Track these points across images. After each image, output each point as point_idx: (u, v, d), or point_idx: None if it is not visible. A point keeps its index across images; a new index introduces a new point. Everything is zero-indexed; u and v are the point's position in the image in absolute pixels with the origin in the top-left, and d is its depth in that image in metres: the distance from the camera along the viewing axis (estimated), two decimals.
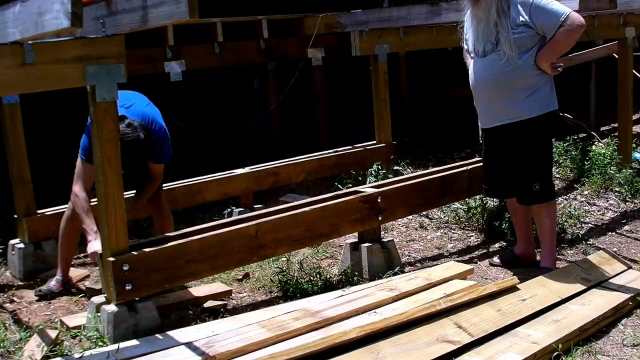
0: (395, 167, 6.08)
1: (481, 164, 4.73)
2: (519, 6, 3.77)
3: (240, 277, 4.25)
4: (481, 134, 4.29)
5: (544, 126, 3.91)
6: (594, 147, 6.69)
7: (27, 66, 2.99)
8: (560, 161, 6.48)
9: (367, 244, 4.14)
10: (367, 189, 4.24)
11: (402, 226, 5.18)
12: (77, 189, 3.85)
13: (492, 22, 3.81)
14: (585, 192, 5.77)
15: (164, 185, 5.15)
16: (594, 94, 8.68)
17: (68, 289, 4.19)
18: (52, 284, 4.15)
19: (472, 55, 4.03)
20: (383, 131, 6.00)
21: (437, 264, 4.23)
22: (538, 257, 4.25)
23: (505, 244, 4.67)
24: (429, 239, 4.92)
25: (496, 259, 4.36)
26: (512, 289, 3.58)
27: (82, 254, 4.93)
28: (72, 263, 4.75)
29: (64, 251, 4.17)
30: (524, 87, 3.85)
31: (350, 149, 6.14)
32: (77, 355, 3.04)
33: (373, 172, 5.75)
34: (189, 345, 3.03)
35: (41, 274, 4.47)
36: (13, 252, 4.58)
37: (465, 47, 4.10)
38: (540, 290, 3.60)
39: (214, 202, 5.55)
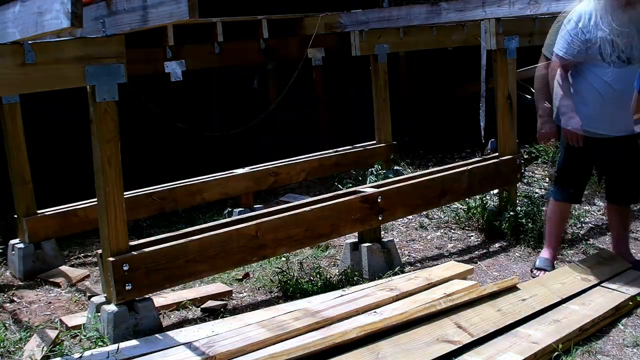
0: (395, 167, 6.09)
1: (481, 163, 4.75)
2: None
3: (240, 277, 4.25)
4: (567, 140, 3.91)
5: None
6: None
7: (27, 66, 2.99)
8: None
9: (367, 244, 4.14)
10: (367, 189, 4.23)
11: (402, 226, 5.18)
12: None
13: None
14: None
15: (163, 185, 5.17)
16: None
17: None
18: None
19: (601, 60, 3.71)
20: (383, 131, 6.00)
21: (437, 264, 4.23)
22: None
23: (505, 243, 4.67)
24: (429, 239, 4.91)
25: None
26: (512, 288, 3.58)
27: (82, 254, 4.94)
28: (72, 263, 4.76)
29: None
30: None
31: (350, 149, 6.14)
32: (77, 355, 3.04)
33: (373, 172, 5.76)
34: (189, 345, 3.04)
35: (41, 274, 4.47)
36: (13, 252, 4.57)
37: (588, 53, 3.72)
38: (540, 290, 3.60)
39: (214, 202, 5.55)
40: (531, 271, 4.09)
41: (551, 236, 4.16)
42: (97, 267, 4.29)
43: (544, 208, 4.26)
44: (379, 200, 4.13)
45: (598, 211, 5.38)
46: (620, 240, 4.14)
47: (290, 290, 3.90)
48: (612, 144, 3.84)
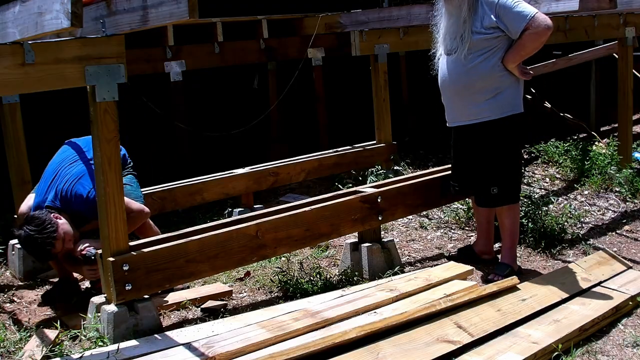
0: (395, 167, 6.09)
1: None
2: (485, 6, 3.72)
3: (241, 276, 4.25)
4: None
5: (506, 129, 3.86)
6: (594, 147, 6.69)
7: (27, 66, 2.99)
8: (560, 161, 6.48)
9: (367, 244, 4.14)
10: (367, 189, 4.23)
11: (402, 226, 5.18)
12: None
13: (462, 19, 3.75)
14: (585, 192, 5.77)
15: (163, 185, 5.17)
16: (594, 94, 8.68)
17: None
18: None
19: (439, 52, 3.99)
20: (383, 131, 6.00)
21: (437, 264, 4.23)
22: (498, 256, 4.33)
23: None
24: (429, 239, 4.91)
25: (455, 252, 4.43)
26: (512, 289, 3.58)
27: None
28: None
29: None
30: (485, 89, 3.81)
31: (350, 149, 6.14)
32: (77, 355, 3.04)
33: (373, 172, 5.75)
34: (189, 345, 3.04)
35: (41, 274, 4.47)
36: (13, 252, 4.57)
37: (434, 49, 4.03)
38: (540, 290, 3.60)
39: (214, 202, 5.55)
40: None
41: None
42: None
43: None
44: (379, 200, 4.13)
45: (598, 211, 5.39)
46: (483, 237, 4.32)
47: (290, 290, 3.90)
48: (461, 135, 4.03)
